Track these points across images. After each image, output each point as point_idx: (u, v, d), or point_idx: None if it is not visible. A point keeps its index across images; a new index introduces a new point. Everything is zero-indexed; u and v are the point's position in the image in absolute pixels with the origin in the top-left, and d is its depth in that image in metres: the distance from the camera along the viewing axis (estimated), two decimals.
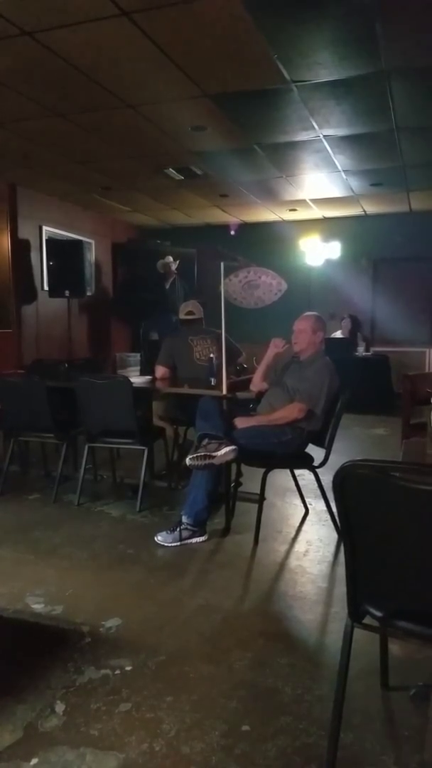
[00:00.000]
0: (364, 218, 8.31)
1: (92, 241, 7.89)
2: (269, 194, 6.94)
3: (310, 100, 4.10)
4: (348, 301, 8.36)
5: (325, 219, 8.47)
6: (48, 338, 7.06)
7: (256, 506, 3.32)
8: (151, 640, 2.28)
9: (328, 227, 8.47)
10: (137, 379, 4.37)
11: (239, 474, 3.80)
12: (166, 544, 3.22)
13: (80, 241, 6.97)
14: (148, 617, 2.48)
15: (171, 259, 7.84)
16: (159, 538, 3.26)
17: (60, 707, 1.89)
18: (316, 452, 3.42)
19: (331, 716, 1.60)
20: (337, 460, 1.83)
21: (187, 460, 3.16)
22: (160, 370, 4.38)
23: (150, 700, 1.93)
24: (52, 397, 4.03)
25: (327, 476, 2.76)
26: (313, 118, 4.43)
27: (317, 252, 8.43)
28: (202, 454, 3.12)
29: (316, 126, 4.60)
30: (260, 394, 3.68)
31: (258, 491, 3.27)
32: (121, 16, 3.01)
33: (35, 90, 3.95)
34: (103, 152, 5.33)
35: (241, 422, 3.41)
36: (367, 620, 1.58)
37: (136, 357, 7.32)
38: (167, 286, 7.77)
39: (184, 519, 3.25)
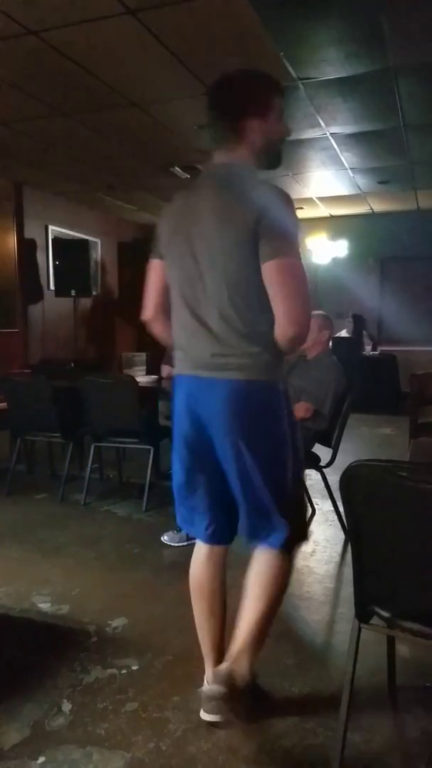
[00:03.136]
0: (371, 216, 8.28)
1: (98, 241, 7.90)
2: None
3: (317, 97, 4.08)
4: (355, 300, 8.33)
5: (332, 217, 8.45)
6: (54, 338, 7.07)
7: None
8: (158, 640, 2.28)
9: (335, 225, 8.44)
10: (143, 379, 4.37)
11: None
12: (172, 544, 3.22)
13: (86, 241, 6.97)
14: (154, 617, 2.47)
15: None
16: (165, 538, 3.26)
17: (67, 706, 1.89)
18: (322, 452, 3.41)
19: (339, 717, 1.59)
20: (344, 460, 1.82)
21: None
22: (166, 370, 4.37)
23: (156, 699, 1.93)
24: (58, 396, 4.03)
25: (334, 476, 2.75)
26: (319, 115, 4.41)
27: (324, 250, 8.40)
28: None
29: (322, 123, 4.58)
30: None
31: None
32: (127, 15, 3.01)
33: (41, 89, 3.95)
34: (109, 151, 5.33)
35: None
36: (374, 621, 1.57)
37: (141, 356, 7.33)
38: None
39: None
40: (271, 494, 1.64)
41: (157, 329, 1.90)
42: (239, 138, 1.65)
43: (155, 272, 1.83)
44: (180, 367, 1.74)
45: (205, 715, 1.75)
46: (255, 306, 1.58)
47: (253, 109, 1.65)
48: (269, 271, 1.54)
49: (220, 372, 1.61)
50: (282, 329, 1.56)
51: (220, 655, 1.79)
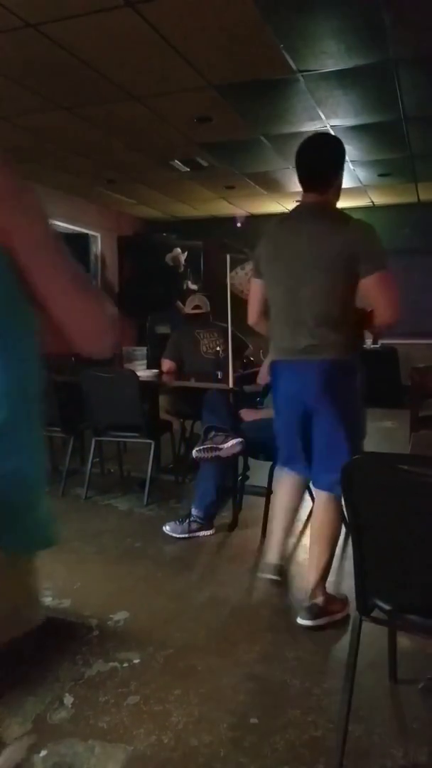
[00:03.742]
0: (372, 209, 8.24)
1: (98, 235, 7.88)
2: (276, 185, 6.89)
3: (317, 90, 4.06)
4: None
5: None
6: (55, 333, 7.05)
7: (263, 500, 3.31)
8: (159, 634, 2.29)
9: None
10: (144, 373, 4.37)
11: (246, 467, 3.79)
12: (174, 535, 3.22)
13: (86, 235, 6.96)
14: (155, 611, 2.48)
15: (179, 250, 7.83)
16: (167, 528, 3.27)
17: (69, 700, 1.90)
18: None
19: (340, 709, 1.60)
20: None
21: (194, 453, 3.16)
22: (167, 364, 4.37)
23: (158, 692, 1.93)
24: (59, 391, 4.03)
25: None
26: (319, 108, 4.39)
27: None
28: (209, 446, 3.12)
29: (323, 116, 4.56)
30: (267, 387, 3.67)
31: (265, 484, 3.26)
32: (126, 7, 2.99)
33: (40, 83, 3.93)
34: (108, 145, 5.31)
35: (247, 415, 3.40)
36: (375, 613, 1.57)
37: (142, 351, 7.31)
38: (177, 279, 7.80)
39: (194, 512, 3.26)
40: (340, 442, 2.24)
41: (261, 328, 2.52)
42: (333, 186, 2.30)
43: (257, 288, 2.42)
44: (278, 354, 2.35)
45: (261, 575, 2.51)
46: (340, 307, 2.18)
47: (342, 166, 2.34)
48: (374, 281, 2.13)
49: (312, 356, 2.21)
50: (384, 319, 2.19)
51: (280, 548, 2.53)
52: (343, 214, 2.27)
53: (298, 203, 2.38)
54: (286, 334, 2.26)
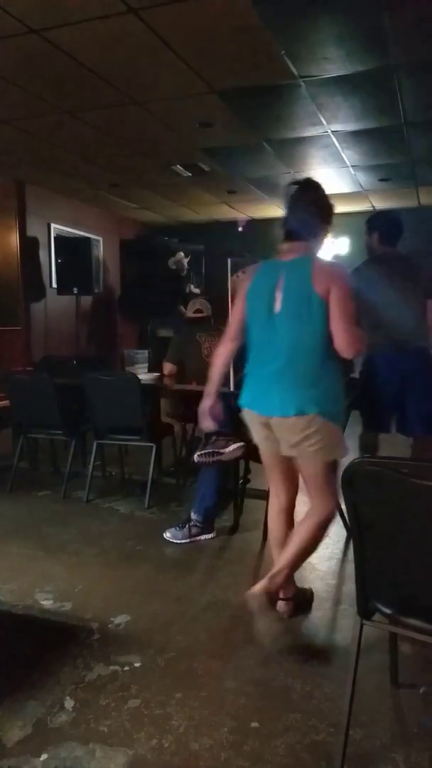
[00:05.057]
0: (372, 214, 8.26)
1: (100, 238, 7.89)
2: (277, 190, 6.90)
3: (318, 95, 4.07)
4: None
5: (334, 215, 8.41)
6: (56, 335, 7.07)
7: (264, 503, 3.30)
8: (160, 637, 2.29)
9: (337, 223, 8.36)
10: (145, 376, 4.38)
11: (247, 470, 3.79)
12: (175, 541, 3.22)
13: (88, 239, 6.96)
14: (156, 613, 2.48)
15: (182, 254, 7.84)
16: (168, 535, 3.26)
17: (69, 703, 1.90)
18: None
19: (341, 713, 1.60)
20: (346, 458, 1.83)
21: (195, 457, 3.16)
22: (168, 367, 4.37)
23: (159, 696, 1.93)
24: (61, 393, 4.04)
25: None
26: (321, 113, 4.40)
27: (326, 248, 8.37)
28: (210, 450, 3.12)
29: (324, 121, 4.57)
30: None
31: (266, 488, 3.26)
32: (128, 13, 3.00)
33: (43, 88, 3.94)
34: (111, 149, 5.33)
35: None
36: (376, 617, 1.57)
37: (143, 354, 7.32)
38: (180, 282, 7.83)
39: (193, 516, 3.26)
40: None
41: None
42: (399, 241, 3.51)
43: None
44: (381, 348, 3.23)
45: None
46: (417, 315, 3.24)
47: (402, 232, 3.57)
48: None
49: (406, 346, 3.25)
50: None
51: None
52: (413, 257, 3.43)
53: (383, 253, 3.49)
54: (386, 332, 3.19)
